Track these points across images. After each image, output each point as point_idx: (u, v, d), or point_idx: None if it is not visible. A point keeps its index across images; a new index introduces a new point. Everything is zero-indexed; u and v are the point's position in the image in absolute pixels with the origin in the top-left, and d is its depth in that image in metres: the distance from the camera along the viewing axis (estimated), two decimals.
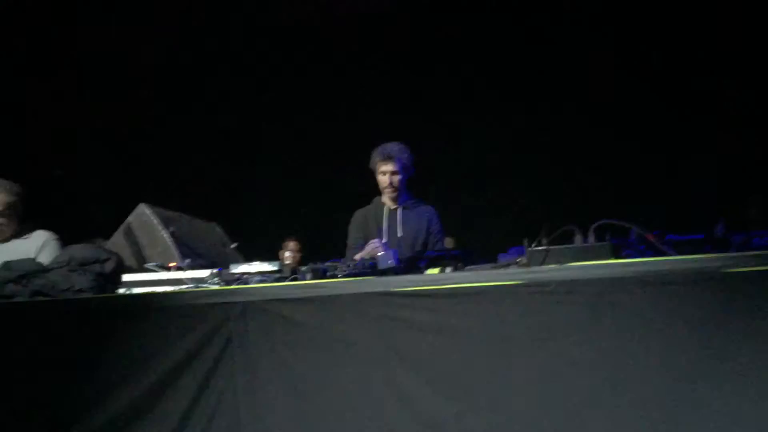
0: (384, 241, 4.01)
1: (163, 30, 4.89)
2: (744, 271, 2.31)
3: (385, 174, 4.15)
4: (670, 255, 2.51)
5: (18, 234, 3.75)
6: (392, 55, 4.77)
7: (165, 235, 3.37)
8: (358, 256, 3.46)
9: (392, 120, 4.70)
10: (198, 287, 2.93)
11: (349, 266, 2.92)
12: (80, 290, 2.86)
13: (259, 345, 2.67)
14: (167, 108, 4.92)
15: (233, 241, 3.88)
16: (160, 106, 4.92)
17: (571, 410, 2.38)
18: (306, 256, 4.55)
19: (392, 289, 2.62)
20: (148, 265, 3.20)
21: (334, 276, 2.85)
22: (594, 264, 2.48)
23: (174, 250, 3.32)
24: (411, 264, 2.91)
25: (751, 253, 2.39)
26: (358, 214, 4.26)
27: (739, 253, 2.42)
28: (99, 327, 2.74)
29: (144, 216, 3.45)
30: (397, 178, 4.16)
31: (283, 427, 2.61)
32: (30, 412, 2.70)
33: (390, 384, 2.55)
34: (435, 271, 2.75)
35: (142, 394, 2.66)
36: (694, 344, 2.32)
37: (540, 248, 2.58)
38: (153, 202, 3.51)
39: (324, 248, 3.82)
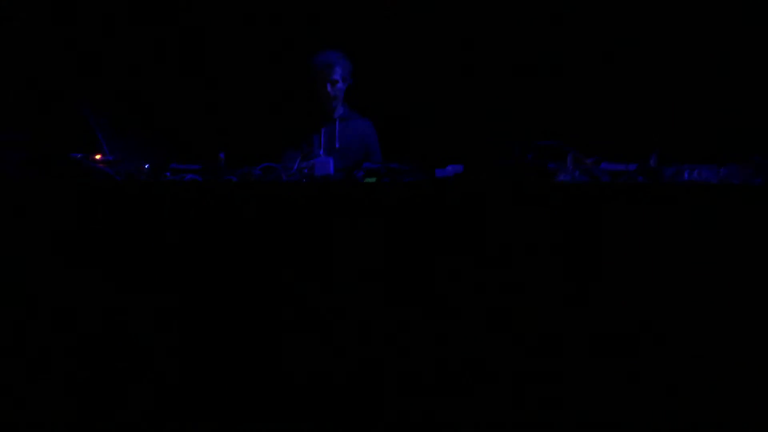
0: (320, 151, 4.05)
1: None
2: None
3: (326, 82, 4.14)
4: (604, 181, 2.65)
5: None
6: None
7: (93, 124, 3.32)
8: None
9: (330, 27, 4.65)
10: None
11: (286, 172, 2.99)
12: None
13: None
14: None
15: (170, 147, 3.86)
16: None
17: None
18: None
19: None
20: (73, 155, 3.15)
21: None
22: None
23: (101, 141, 3.28)
24: (348, 174, 2.98)
25: (680, 184, 2.56)
26: (293, 127, 4.25)
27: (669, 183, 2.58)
28: None
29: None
30: (337, 86, 4.16)
31: None
32: None
33: None
34: (372, 180, 2.83)
35: None
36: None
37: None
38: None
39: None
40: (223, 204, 2.77)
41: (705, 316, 2.47)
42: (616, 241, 2.52)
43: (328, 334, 2.61)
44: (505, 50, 4.51)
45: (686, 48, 4.32)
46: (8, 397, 2.65)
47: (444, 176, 2.82)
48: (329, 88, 4.13)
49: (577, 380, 2.53)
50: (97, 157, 3.17)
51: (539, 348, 2.54)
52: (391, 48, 4.62)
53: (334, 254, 2.66)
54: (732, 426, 2.47)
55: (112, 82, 4.64)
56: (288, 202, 2.74)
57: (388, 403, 2.60)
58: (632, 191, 2.57)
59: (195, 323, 2.68)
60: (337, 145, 4.17)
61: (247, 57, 4.79)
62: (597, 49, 4.43)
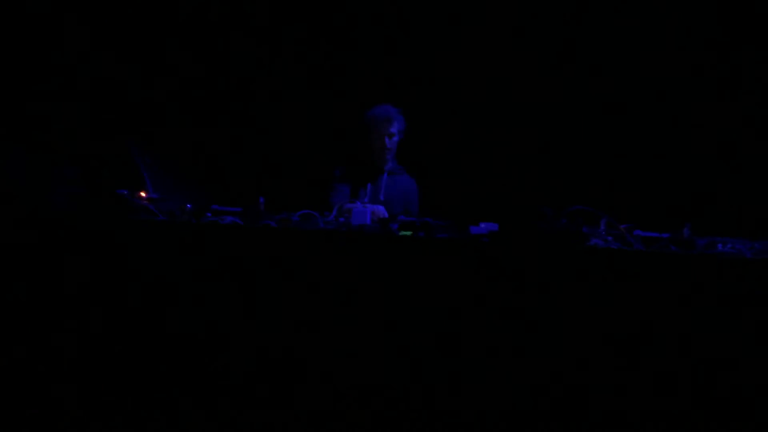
0: (366, 201, 4.24)
1: None
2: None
3: (384, 136, 4.35)
4: (636, 248, 2.79)
5: None
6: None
7: (140, 162, 3.58)
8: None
9: (376, 85, 4.90)
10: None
11: (324, 220, 3.20)
12: None
13: None
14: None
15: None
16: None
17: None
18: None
19: None
20: (118, 191, 3.40)
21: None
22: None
23: (147, 180, 3.54)
24: (383, 225, 3.17)
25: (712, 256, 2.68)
26: (340, 171, 4.46)
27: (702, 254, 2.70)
28: None
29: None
30: (395, 140, 4.38)
31: None
32: None
33: None
34: (407, 233, 3.01)
35: None
36: None
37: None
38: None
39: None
40: (260, 248, 2.99)
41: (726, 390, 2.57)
42: (646, 309, 2.65)
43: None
44: (544, 116, 4.71)
45: (722, 122, 4.46)
46: None
47: (478, 233, 2.99)
48: (387, 141, 4.35)
49: None
50: (142, 194, 3.43)
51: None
52: (436, 106, 4.85)
53: (364, 302, 2.85)
54: None
55: (159, 121, 4.95)
56: (323, 249, 2.95)
57: None
58: (664, 261, 2.71)
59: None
60: (381, 197, 4.37)
61: (297, 106, 5.07)
62: (636, 118, 4.60)
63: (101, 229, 3.03)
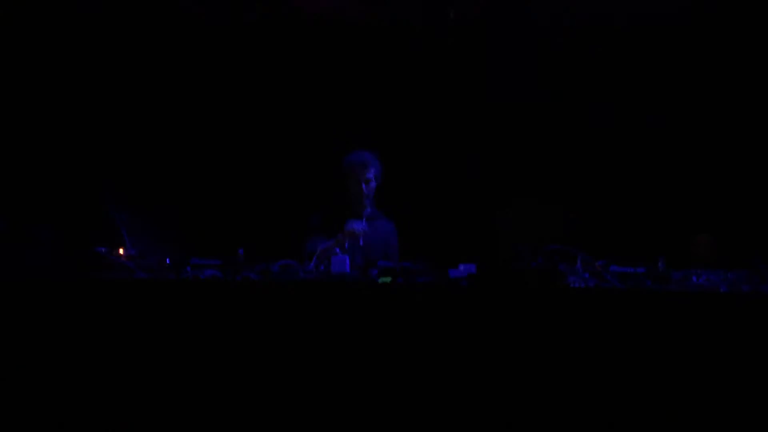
0: (339, 249, 4.28)
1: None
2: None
3: (361, 181, 4.40)
4: (613, 284, 2.85)
5: None
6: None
7: (117, 219, 3.62)
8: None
9: (354, 125, 4.99)
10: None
11: (304, 270, 3.24)
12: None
13: None
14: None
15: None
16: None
17: None
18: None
19: None
20: (97, 249, 3.42)
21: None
22: None
23: (124, 236, 3.57)
24: (363, 272, 3.22)
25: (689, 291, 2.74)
26: (317, 219, 4.51)
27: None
28: None
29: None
30: (370, 185, 4.44)
31: None
32: None
33: None
34: (387, 279, 3.06)
35: None
36: None
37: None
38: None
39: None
40: (242, 300, 3.02)
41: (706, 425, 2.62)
42: (625, 345, 2.71)
43: None
44: (518, 156, 4.82)
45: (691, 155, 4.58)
46: None
47: (457, 276, 3.04)
48: (363, 186, 4.40)
49: None
50: (120, 251, 3.45)
51: None
52: (410, 150, 4.94)
53: (349, 352, 2.88)
54: None
55: (136, 174, 4.99)
56: (304, 300, 2.98)
57: None
58: (642, 296, 2.77)
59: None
60: (361, 243, 4.42)
61: (273, 153, 5.13)
62: (608, 154, 4.72)
63: (80, 289, 3.04)
